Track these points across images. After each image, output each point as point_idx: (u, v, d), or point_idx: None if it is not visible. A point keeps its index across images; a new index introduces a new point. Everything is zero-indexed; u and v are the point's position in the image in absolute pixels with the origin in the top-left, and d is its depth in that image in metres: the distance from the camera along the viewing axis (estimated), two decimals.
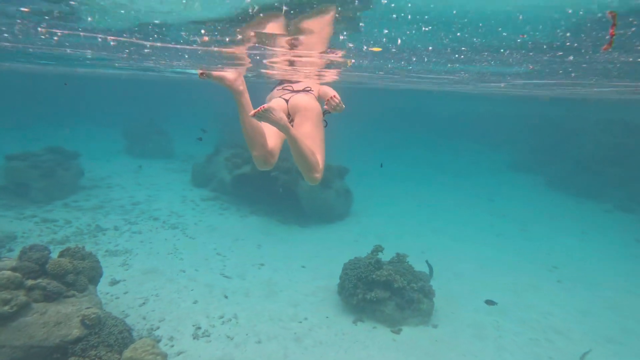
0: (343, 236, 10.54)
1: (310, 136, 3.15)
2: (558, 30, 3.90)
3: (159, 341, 5.58)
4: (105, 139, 21.36)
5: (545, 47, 4.70)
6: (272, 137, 3.07)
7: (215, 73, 2.67)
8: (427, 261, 8.33)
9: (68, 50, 7.28)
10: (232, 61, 7.01)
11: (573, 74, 7.29)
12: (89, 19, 4.26)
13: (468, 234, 11.28)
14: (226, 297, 6.97)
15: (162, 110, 33.36)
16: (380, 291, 6.56)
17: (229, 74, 2.74)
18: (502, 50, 5.14)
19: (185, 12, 3.72)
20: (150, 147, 18.43)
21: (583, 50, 4.91)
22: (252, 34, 4.60)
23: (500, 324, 6.80)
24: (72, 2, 3.61)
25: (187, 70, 10.90)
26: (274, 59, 6.58)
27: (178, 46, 5.70)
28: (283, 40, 4.86)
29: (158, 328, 5.89)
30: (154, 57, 7.72)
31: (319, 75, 8.90)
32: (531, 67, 6.49)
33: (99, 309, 4.70)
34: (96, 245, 8.43)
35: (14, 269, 4.53)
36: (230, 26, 4.14)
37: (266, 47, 5.30)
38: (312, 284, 7.70)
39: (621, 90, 10.08)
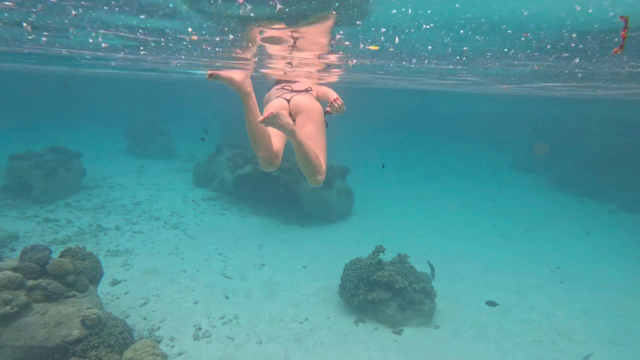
0: (344, 236, 10.52)
1: (313, 137, 3.14)
2: (564, 31, 3.85)
3: (159, 341, 5.57)
4: (107, 139, 21.41)
5: (549, 47, 4.66)
6: (275, 138, 3.07)
7: (224, 74, 2.64)
8: (428, 262, 8.30)
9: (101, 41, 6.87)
10: (237, 62, 7.03)
11: (580, 75, 7.19)
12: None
13: (470, 235, 11.23)
14: (227, 297, 6.96)
15: (163, 110, 33.45)
16: (382, 292, 6.53)
17: (237, 75, 2.71)
18: (505, 50, 5.10)
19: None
20: (152, 147, 18.46)
21: (590, 53, 4.85)
22: (257, 36, 4.61)
23: (502, 325, 6.76)
24: None
25: (190, 71, 10.93)
26: (274, 60, 6.59)
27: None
28: (284, 40, 4.86)
29: (159, 328, 5.88)
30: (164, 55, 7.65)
31: (321, 76, 8.89)
32: (536, 67, 6.44)
33: (99, 310, 4.70)
34: (97, 245, 8.45)
35: (15, 269, 4.53)
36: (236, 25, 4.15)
37: (268, 44, 5.30)
38: (313, 285, 7.68)
39: (630, 93, 9.98)
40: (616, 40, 3.96)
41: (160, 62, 8.81)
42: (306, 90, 3.56)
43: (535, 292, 7.99)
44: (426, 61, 6.29)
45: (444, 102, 29.68)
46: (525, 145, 21.47)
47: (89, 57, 8.39)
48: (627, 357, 6.14)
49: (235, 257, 8.67)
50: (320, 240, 10.11)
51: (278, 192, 10.99)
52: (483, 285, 8.16)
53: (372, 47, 5.08)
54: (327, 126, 3.35)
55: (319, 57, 6.13)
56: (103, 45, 6.36)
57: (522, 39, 4.32)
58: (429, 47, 5.03)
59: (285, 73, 8.28)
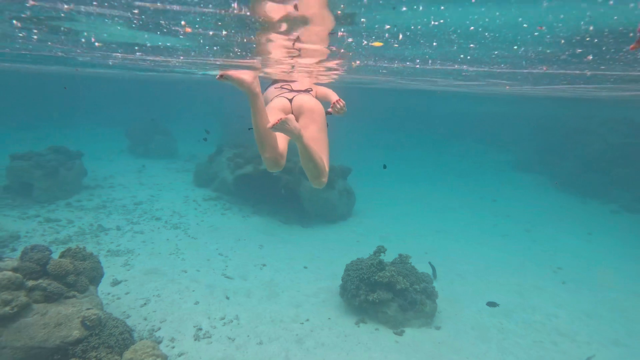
0: (345, 237, 10.50)
1: (317, 139, 3.14)
2: (582, 23, 3.70)
3: (160, 342, 5.56)
4: (108, 139, 21.45)
5: (563, 42, 4.53)
6: (279, 138, 3.05)
7: (234, 75, 2.61)
8: (430, 262, 8.27)
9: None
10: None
11: (588, 73, 7.04)
12: None
13: (471, 235, 11.19)
14: (228, 298, 6.95)
15: (165, 110, 33.47)
16: (383, 292, 6.51)
17: (247, 76, 2.69)
18: (515, 47, 4.97)
19: None
20: (153, 147, 18.48)
21: (604, 48, 4.73)
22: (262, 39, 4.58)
23: (504, 325, 6.73)
24: None
25: (191, 71, 10.91)
26: (276, 61, 6.57)
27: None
28: (285, 36, 4.83)
29: (159, 329, 5.87)
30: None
31: (325, 75, 8.85)
32: (545, 68, 6.36)
33: (99, 310, 4.69)
34: (98, 245, 8.44)
35: (15, 270, 4.52)
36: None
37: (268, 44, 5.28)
38: (314, 285, 7.66)
39: (633, 94, 9.88)
40: (631, 35, 3.88)
41: (160, 62, 8.77)
42: (306, 91, 3.54)
43: (537, 293, 7.96)
44: (430, 61, 6.24)
45: (445, 102, 29.63)
46: (526, 146, 21.43)
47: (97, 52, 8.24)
48: (629, 358, 6.11)
49: (236, 257, 8.65)
50: (321, 240, 10.09)
51: (279, 192, 10.98)
52: (484, 285, 8.13)
53: (376, 44, 5.05)
54: (327, 126, 3.34)
55: (322, 55, 6.10)
56: (97, 44, 6.28)
57: (536, 33, 4.20)
58: (434, 44, 4.95)
59: (293, 68, 8.15)
